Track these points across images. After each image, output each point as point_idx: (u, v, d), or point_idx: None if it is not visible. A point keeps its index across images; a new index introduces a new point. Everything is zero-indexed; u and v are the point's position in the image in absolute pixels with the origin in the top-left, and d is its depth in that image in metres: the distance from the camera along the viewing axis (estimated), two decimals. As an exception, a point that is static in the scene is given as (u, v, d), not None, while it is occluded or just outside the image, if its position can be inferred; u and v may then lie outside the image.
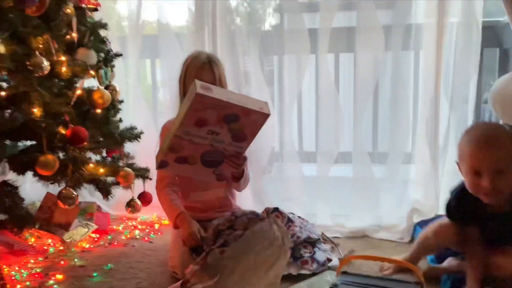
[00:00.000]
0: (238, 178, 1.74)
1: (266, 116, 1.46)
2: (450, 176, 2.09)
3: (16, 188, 1.66)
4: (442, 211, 1.65)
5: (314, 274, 1.61)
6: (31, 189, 2.31)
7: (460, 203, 1.46)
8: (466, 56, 2.13)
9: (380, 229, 2.08)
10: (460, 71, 2.15)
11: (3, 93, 1.62)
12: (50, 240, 1.97)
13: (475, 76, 2.13)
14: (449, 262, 1.60)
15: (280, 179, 2.47)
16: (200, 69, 1.77)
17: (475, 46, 2.11)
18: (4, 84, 1.68)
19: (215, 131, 1.46)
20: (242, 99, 1.47)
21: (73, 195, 1.70)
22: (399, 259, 1.58)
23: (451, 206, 1.51)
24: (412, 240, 1.95)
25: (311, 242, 1.75)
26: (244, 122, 1.46)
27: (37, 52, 1.61)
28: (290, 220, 1.82)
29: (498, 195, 1.32)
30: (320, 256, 1.68)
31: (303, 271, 1.62)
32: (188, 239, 1.67)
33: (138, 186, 2.09)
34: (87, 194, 2.36)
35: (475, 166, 1.31)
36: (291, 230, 1.76)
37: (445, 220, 1.52)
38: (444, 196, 1.86)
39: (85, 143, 1.71)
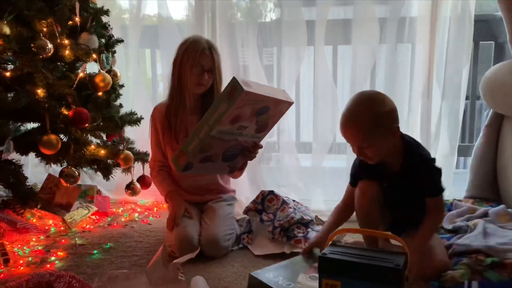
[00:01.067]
0: (243, 167, 1.78)
1: (290, 104, 1.49)
2: (442, 163, 2.14)
3: (20, 166, 1.72)
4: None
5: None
6: (32, 172, 2.37)
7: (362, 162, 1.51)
8: (459, 48, 2.19)
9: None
10: (452, 62, 2.21)
11: (8, 74, 1.67)
12: (51, 221, 2.02)
13: (467, 66, 2.18)
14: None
15: (277, 168, 2.53)
16: (201, 53, 1.75)
17: (468, 38, 2.17)
18: (9, 67, 1.74)
19: (245, 126, 1.43)
20: (270, 90, 1.45)
21: (75, 174, 1.75)
22: None
23: (355, 166, 1.57)
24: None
25: (305, 223, 1.81)
26: (272, 112, 1.46)
27: (41, 35, 1.67)
28: (284, 202, 1.87)
29: (369, 161, 1.41)
30: (313, 235, 1.73)
31: (297, 250, 1.67)
32: (168, 221, 1.74)
33: (138, 170, 2.15)
34: (88, 179, 2.42)
35: (346, 141, 1.42)
36: (285, 211, 1.82)
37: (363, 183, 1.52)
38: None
39: (87, 124, 1.77)
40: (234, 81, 1.29)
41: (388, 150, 1.40)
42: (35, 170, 2.47)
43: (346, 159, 2.35)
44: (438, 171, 1.43)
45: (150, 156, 1.95)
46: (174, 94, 1.82)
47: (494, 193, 2.11)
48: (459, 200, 2.05)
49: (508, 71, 1.91)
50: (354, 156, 2.24)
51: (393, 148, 1.41)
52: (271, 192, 1.92)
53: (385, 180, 1.48)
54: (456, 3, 2.16)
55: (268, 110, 1.43)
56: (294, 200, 1.99)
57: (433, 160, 1.44)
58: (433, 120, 2.23)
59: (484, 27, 2.42)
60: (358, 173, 1.55)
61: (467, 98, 2.46)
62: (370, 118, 1.33)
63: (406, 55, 2.36)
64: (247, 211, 1.90)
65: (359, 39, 2.27)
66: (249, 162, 1.78)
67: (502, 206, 1.86)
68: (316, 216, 1.98)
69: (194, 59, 1.75)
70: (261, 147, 1.65)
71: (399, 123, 1.40)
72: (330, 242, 1.26)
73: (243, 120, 1.41)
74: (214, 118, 1.35)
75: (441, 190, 1.42)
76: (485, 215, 1.84)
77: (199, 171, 1.58)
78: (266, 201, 1.89)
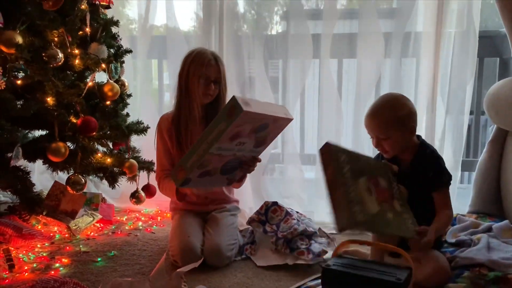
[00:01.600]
0: (242, 179, 1.79)
1: (289, 120, 1.52)
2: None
3: (28, 173, 1.74)
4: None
5: (309, 265, 1.67)
6: (38, 179, 2.40)
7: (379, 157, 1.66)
8: (463, 64, 2.21)
9: (375, 227, 2.13)
10: (457, 77, 2.22)
11: (19, 82, 1.71)
12: (56, 228, 2.03)
13: (471, 82, 2.20)
14: None
15: (281, 179, 2.54)
16: (207, 65, 1.79)
17: (472, 54, 2.19)
18: (21, 75, 1.77)
19: (243, 142, 1.46)
20: (270, 107, 1.47)
21: (82, 181, 1.77)
22: None
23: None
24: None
25: (308, 235, 1.81)
26: (271, 129, 1.50)
27: (52, 45, 1.71)
28: (288, 213, 1.88)
29: (385, 154, 1.56)
30: (316, 247, 1.73)
31: (300, 261, 1.68)
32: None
33: (143, 179, 2.17)
34: (93, 187, 2.44)
35: (368, 132, 1.57)
36: (289, 223, 1.82)
37: None
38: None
39: (95, 132, 1.80)
40: (233, 101, 1.30)
41: (403, 145, 1.53)
42: (41, 177, 2.49)
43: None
44: (446, 170, 1.55)
45: (156, 166, 1.95)
46: (182, 105, 1.84)
47: (497, 208, 2.11)
48: (463, 215, 2.05)
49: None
50: None
51: (408, 144, 1.54)
52: (275, 203, 1.93)
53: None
54: (461, 19, 2.18)
55: (267, 127, 1.46)
56: (297, 212, 2.00)
57: (443, 160, 1.57)
58: (437, 135, 2.24)
59: (489, 43, 2.44)
60: None
61: (471, 113, 2.48)
62: (390, 115, 1.49)
63: (410, 70, 2.38)
64: (250, 221, 1.91)
65: (364, 53, 2.29)
66: (252, 173, 1.77)
67: (506, 221, 1.86)
68: (320, 229, 1.98)
69: (201, 71, 1.78)
70: (259, 160, 1.67)
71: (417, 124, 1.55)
72: (336, 254, 1.28)
73: (242, 137, 1.43)
74: (213, 136, 1.37)
75: (449, 176, 1.54)
76: (488, 230, 1.84)
77: (197, 185, 1.60)
78: (270, 212, 1.90)
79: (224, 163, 1.52)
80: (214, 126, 1.36)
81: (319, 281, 1.32)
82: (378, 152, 1.62)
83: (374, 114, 1.53)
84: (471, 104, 2.28)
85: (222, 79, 1.84)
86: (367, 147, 2.48)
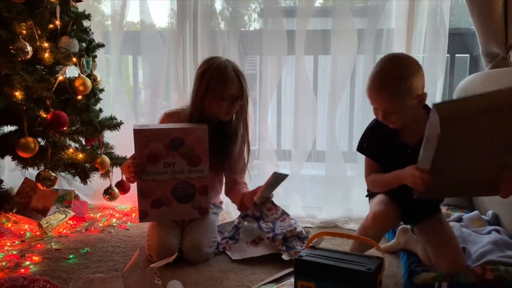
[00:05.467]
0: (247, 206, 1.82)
1: (205, 129, 1.59)
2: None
3: (-5, 169, 1.70)
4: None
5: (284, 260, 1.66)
6: (9, 177, 2.34)
7: (370, 133, 1.53)
8: (434, 60, 2.25)
9: (350, 221, 2.17)
10: (427, 73, 2.24)
11: (-15, 76, 1.66)
12: (27, 226, 1.99)
13: (441, 78, 2.25)
14: (398, 237, 1.70)
15: (257, 175, 2.53)
16: (230, 84, 1.69)
17: (442, 50, 2.23)
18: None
19: (170, 162, 1.58)
20: (177, 125, 1.63)
21: (52, 177, 1.74)
22: None
23: (363, 136, 1.56)
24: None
25: (302, 238, 1.80)
26: (189, 142, 1.58)
27: (20, 37, 1.67)
28: (285, 213, 1.88)
29: (392, 125, 1.40)
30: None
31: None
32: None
33: (117, 175, 2.14)
34: (66, 184, 2.39)
35: (371, 103, 1.39)
36: (286, 221, 1.83)
37: (378, 206, 1.50)
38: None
39: (65, 127, 1.76)
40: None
41: (413, 116, 1.38)
42: (11, 175, 2.43)
43: (324, 167, 2.38)
44: None
45: None
46: (195, 116, 1.74)
47: (467, 201, 2.17)
48: (434, 207, 2.09)
49: (479, 81, 1.98)
50: (333, 165, 2.35)
51: (417, 114, 1.39)
52: (271, 202, 1.93)
53: (399, 155, 1.44)
54: (431, 17, 2.22)
55: (183, 141, 1.57)
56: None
57: None
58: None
59: (460, 41, 2.50)
60: (372, 146, 1.52)
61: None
62: (401, 85, 1.31)
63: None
64: (244, 216, 1.89)
65: (338, 50, 2.31)
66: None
67: (476, 211, 1.92)
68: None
69: (224, 92, 1.68)
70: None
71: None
72: (309, 245, 1.29)
73: (162, 157, 1.57)
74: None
75: None
76: (459, 220, 1.89)
77: (159, 217, 1.70)
78: (265, 209, 1.89)
79: (171, 189, 1.63)
80: None
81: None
82: (375, 119, 1.46)
83: (381, 84, 1.33)
84: (441, 99, 2.32)
85: (245, 97, 1.76)
86: (342, 143, 2.53)
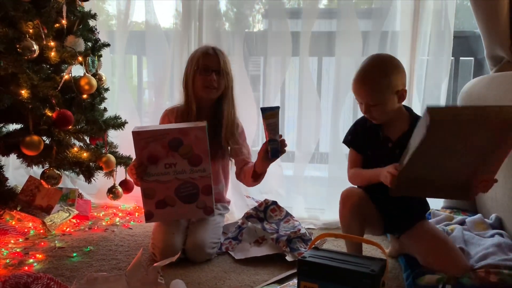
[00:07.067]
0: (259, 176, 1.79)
1: (203, 128, 1.58)
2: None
3: (1, 167, 1.71)
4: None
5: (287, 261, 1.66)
6: (13, 174, 2.35)
7: (356, 126, 1.63)
8: (439, 63, 2.25)
9: (353, 223, 2.16)
10: (432, 76, 2.27)
11: (-8, 74, 1.67)
12: (31, 223, 2.00)
13: (446, 80, 2.25)
14: (392, 243, 1.72)
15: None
16: (204, 54, 1.78)
17: (447, 53, 2.23)
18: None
19: (171, 163, 1.59)
20: (175, 125, 1.64)
21: (57, 175, 1.74)
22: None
23: (349, 129, 1.65)
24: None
25: (305, 240, 1.80)
26: (188, 142, 1.57)
27: (27, 36, 1.68)
28: (289, 214, 1.88)
29: (374, 120, 1.51)
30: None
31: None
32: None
33: (121, 174, 2.15)
34: (69, 182, 2.40)
35: (356, 97, 1.52)
36: (290, 223, 1.82)
37: (348, 194, 1.56)
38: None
39: (70, 126, 1.77)
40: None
41: (393, 111, 1.49)
42: (16, 173, 2.44)
43: (327, 169, 2.38)
44: None
45: None
46: (190, 106, 1.82)
47: (470, 204, 2.16)
48: (437, 210, 2.09)
49: (484, 85, 1.98)
50: (336, 167, 2.35)
51: (398, 110, 1.51)
52: (274, 203, 1.94)
53: (382, 151, 1.53)
54: (436, 20, 2.23)
55: (181, 141, 1.57)
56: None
57: None
58: (413, 132, 2.27)
59: (464, 44, 2.49)
60: (357, 139, 1.61)
61: (448, 111, 2.50)
62: (382, 80, 1.43)
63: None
64: (248, 216, 1.90)
65: (342, 52, 2.31)
66: (232, 168, 1.82)
67: (479, 215, 1.91)
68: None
69: (198, 61, 1.77)
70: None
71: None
72: (313, 247, 1.29)
73: (162, 158, 1.57)
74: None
75: None
76: (462, 223, 1.88)
77: (165, 217, 1.70)
78: (269, 211, 1.89)
79: (174, 189, 1.63)
80: None
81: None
82: (363, 115, 1.57)
83: (364, 79, 1.46)
84: (447, 103, 2.32)
85: (223, 70, 1.80)
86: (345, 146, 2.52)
